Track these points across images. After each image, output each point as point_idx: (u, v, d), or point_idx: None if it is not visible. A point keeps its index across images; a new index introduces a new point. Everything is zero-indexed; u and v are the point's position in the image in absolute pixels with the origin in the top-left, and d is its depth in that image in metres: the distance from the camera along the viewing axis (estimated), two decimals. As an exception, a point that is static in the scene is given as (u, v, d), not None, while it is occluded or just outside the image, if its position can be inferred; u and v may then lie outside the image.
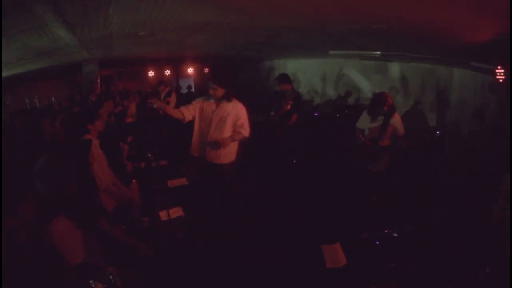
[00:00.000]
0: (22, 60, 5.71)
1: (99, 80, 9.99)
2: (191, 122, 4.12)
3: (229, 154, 4.09)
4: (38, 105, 7.95)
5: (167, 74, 10.96)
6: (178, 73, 11.57)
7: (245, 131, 4.03)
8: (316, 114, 7.97)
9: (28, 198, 2.20)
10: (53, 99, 8.18)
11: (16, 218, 2.07)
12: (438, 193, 4.86)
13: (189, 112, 4.08)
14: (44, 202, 2.14)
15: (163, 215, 4.39)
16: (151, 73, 10.70)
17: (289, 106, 5.94)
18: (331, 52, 6.82)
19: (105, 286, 2.04)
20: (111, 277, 2.09)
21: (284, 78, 6.04)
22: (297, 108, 5.99)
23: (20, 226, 2.05)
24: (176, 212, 4.45)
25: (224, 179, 4.17)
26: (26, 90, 8.51)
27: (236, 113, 3.98)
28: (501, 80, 4.40)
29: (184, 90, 11.87)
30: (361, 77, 8.11)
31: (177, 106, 4.87)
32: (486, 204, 3.22)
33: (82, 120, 3.92)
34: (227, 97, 3.93)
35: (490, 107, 5.21)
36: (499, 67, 4.41)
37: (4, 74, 6.60)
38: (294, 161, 6.25)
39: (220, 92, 3.88)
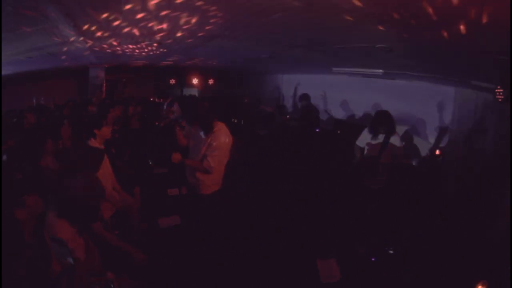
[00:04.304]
0: (31, 58, 5.79)
1: (104, 85, 10.10)
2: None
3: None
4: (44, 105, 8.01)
5: (172, 83, 11.07)
6: (183, 82, 11.67)
7: (206, 165, 3.61)
8: (317, 130, 8.01)
9: (34, 192, 2.26)
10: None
11: (23, 210, 2.12)
12: (436, 211, 4.87)
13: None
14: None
15: (161, 222, 4.43)
16: (156, 82, 10.82)
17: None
18: (334, 69, 6.91)
19: None
20: (112, 286, 2.12)
21: (302, 96, 7.11)
22: (307, 121, 6.76)
23: (26, 219, 2.10)
24: (174, 220, 4.48)
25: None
26: (32, 90, 8.60)
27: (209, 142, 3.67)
28: (500, 100, 4.44)
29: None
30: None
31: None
32: (485, 221, 3.25)
33: (89, 125, 3.95)
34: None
35: (491, 127, 5.26)
36: (498, 87, 4.47)
37: (11, 71, 6.71)
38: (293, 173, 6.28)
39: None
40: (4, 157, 3.38)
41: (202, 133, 3.72)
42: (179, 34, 4.34)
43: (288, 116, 7.56)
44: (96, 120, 3.98)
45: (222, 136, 3.62)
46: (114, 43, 5.01)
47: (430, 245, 3.97)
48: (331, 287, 3.28)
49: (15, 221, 1.96)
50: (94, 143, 3.85)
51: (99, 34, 4.31)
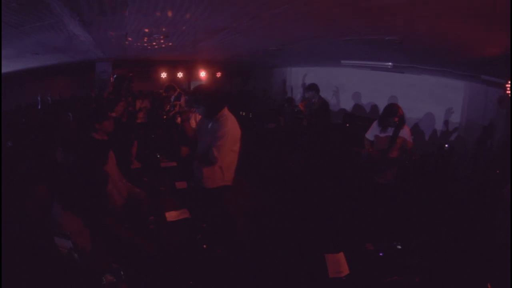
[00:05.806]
0: (37, 55, 5.80)
1: (112, 80, 10.10)
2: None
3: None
4: (50, 101, 8.03)
5: (180, 76, 11.04)
6: (190, 76, 11.63)
7: (211, 155, 3.32)
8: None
9: (42, 183, 2.27)
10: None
11: (31, 201, 2.14)
12: (444, 207, 4.82)
13: None
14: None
15: (169, 216, 4.43)
16: (163, 75, 10.79)
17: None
18: (343, 61, 6.84)
19: (115, 279, 2.10)
20: (121, 274, 2.14)
21: (310, 87, 6.62)
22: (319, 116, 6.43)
23: (34, 208, 2.11)
24: (182, 214, 4.48)
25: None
26: (39, 86, 8.62)
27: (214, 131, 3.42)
28: (510, 94, 4.40)
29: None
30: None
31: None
32: (492, 218, 3.20)
33: (91, 119, 3.94)
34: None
35: (500, 121, 5.18)
36: (509, 81, 4.42)
37: (16, 68, 6.73)
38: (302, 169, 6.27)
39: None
40: (12, 151, 3.41)
41: (208, 122, 3.53)
42: (185, 27, 4.31)
43: (296, 110, 7.48)
44: (97, 115, 3.94)
45: (228, 124, 3.38)
46: (121, 37, 5.00)
47: (435, 241, 3.95)
48: (338, 282, 3.26)
49: (23, 213, 1.97)
50: (97, 136, 3.87)
51: (105, 28, 4.29)
